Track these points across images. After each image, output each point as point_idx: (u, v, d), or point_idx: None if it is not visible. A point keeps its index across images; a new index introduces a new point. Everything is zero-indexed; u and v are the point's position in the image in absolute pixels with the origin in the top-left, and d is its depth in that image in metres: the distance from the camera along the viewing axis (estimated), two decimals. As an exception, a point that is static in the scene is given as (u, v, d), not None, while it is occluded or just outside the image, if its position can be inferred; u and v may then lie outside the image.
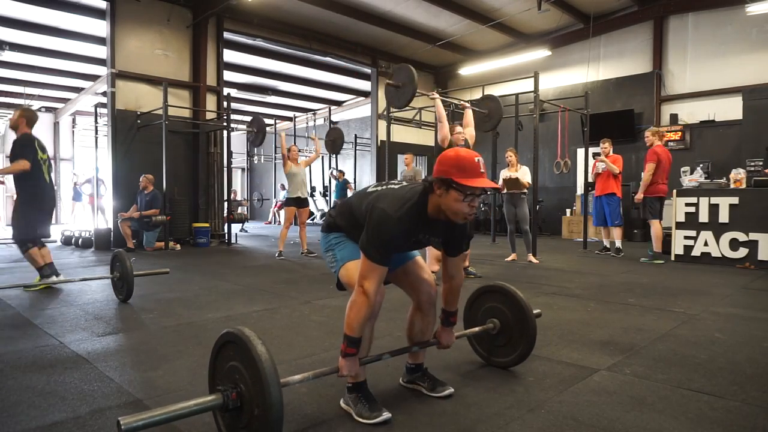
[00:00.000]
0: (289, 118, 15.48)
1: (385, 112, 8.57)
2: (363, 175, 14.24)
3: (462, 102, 5.59)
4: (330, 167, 14.11)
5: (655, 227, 6.40)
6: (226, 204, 9.26)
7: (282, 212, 15.40)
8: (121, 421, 1.33)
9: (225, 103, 9.03)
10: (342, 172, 13.28)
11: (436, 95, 5.15)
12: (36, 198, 4.47)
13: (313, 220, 15.14)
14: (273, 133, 15.86)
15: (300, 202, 7.09)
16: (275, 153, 15.62)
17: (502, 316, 2.37)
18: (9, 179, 14.07)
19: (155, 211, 7.69)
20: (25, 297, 4.10)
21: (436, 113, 4.97)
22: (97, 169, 9.57)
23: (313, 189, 14.08)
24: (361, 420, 1.79)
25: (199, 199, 9.02)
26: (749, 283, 4.85)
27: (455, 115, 8.92)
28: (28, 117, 4.48)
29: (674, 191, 6.47)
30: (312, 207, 15.17)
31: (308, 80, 13.52)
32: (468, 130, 5.13)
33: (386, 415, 1.80)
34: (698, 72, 9.42)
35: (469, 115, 5.25)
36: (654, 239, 6.43)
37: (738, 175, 6.23)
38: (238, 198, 17.14)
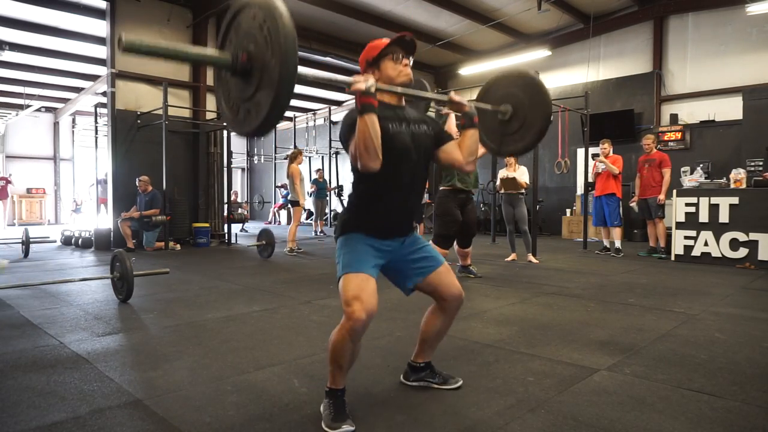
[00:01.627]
0: (289, 118, 15.47)
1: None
2: (363, 175, 14.19)
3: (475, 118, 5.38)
4: (323, 167, 14.08)
5: (662, 225, 6.77)
6: (226, 206, 9.25)
7: (282, 212, 15.46)
8: (122, 36, 1.30)
9: (225, 103, 9.02)
10: (321, 171, 13.08)
11: (451, 113, 4.96)
12: None
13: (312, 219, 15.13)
14: (273, 134, 15.87)
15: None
16: (275, 153, 15.62)
17: (514, 100, 2.30)
18: (12, 179, 14.11)
19: (155, 211, 7.69)
20: (25, 297, 4.10)
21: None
22: (105, 173, 9.48)
23: (340, 188, 13.87)
24: (324, 427, 1.75)
25: (199, 199, 9.02)
26: (749, 283, 4.85)
27: (457, 116, 8.91)
28: None
29: (674, 191, 6.47)
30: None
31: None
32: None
33: (347, 428, 1.72)
34: (698, 72, 9.41)
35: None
36: (661, 236, 6.77)
37: (738, 175, 6.23)
38: (239, 200, 17.09)
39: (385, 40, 1.90)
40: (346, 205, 1.97)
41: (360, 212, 1.91)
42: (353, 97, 1.73)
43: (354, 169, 1.89)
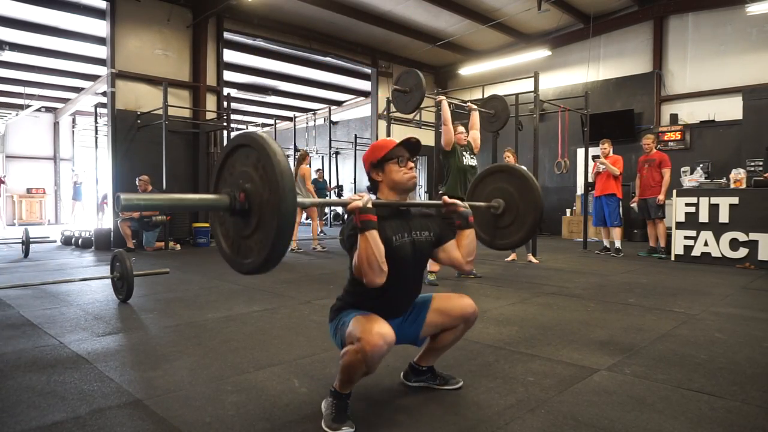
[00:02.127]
0: (289, 118, 15.47)
1: (385, 112, 8.57)
2: (363, 176, 14.23)
3: (468, 104, 5.47)
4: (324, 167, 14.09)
5: (662, 225, 6.77)
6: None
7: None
8: (121, 196, 1.33)
9: (225, 103, 9.03)
10: (321, 171, 13.12)
11: (443, 98, 5.02)
12: None
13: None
14: (273, 133, 15.87)
15: None
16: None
17: (506, 195, 2.35)
18: (8, 179, 14.12)
19: (155, 212, 7.69)
20: (25, 297, 4.10)
21: (442, 116, 4.83)
22: (77, 174, 9.42)
23: (340, 188, 13.96)
24: (323, 427, 1.75)
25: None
26: (749, 283, 4.85)
27: (457, 116, 8.92)
28: None
29: (674, 191, 6.47)
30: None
31: (308, 80, 13.52)
32: (473, 134, 5.10)
33: (347, 430, 1.71)
34: (698, 72, 9.41)
35: (475, 117, 5.19)
36: (661, 236, 6.76)
37: (738, 175, 6.23)
38: None
39: (391, 142, 1.89)
40: (342, 296, 1.95)
41: (358, 306, 1.88)
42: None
43: (351, 266, 1.86)
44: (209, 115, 9.11)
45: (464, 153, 4.87)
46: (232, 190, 1.52)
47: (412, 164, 1.92)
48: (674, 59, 9.70)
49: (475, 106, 5.42)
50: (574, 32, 10.79)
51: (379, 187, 1.92)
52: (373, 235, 1.66)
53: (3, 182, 13.75)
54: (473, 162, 4.93)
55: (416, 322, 1.99)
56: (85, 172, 14.37)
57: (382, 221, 1.77)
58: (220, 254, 1.67)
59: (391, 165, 1.88)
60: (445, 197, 2.04)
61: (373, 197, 1.82)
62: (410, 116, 9.00)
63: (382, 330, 1.66)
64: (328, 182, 12.97)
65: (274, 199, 1.39)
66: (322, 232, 11.32)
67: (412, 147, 1.92)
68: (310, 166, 7.89)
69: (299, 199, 1.46)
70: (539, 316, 3.49)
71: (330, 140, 13.60)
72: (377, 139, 11.88)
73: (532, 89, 6.91)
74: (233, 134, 9.13)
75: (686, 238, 6.30)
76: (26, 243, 6.95)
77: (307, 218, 15.24)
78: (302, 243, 8.05)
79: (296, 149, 14.69)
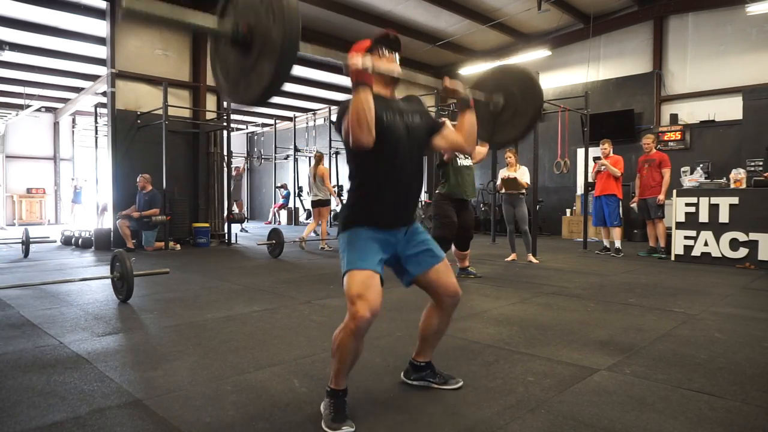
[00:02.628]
0: (289, 118, 15.48)
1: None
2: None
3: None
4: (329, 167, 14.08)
5: (662, 225, 6.77)
6: (226, 180, 9.21)
7: (282, 212, 15.46)
8: (123, 1, 1.32)
9: (225, 103, 9.03)
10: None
11: (446, 121, 4.89)
12: None
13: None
14: (273, 134, 15.88)
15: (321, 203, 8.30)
16: (275, 153, 15.62)
17: (506, 92, 2.34)
18: (8, 178, 14.11)
19: (155, 211, 7.69)
20: (25, 297, 4.10)
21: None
22: (78, 179, 9.36)
23: (340, 188, 13.92)
24: (323, 428, 1.76)
25: (199, 199, 9.02)
26: (749, 283, 4.85)
27: (456, 116, 8.91)
28: None
29: (674, 191, 6.47)
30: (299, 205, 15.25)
31: (308, 80, 13.52)
32: (478, 149, 5.07)
33: (347, 429, 1.72)
34: (698, 72, 9.41)
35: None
36: (661, 236, 6.76)
37: (738, 175, 6.23)
38: (241, 173, 16.96)
39: (370, 40, 1.94)
40: (345, 200, 1.97)
41: (360, 205, 1.92)
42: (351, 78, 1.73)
43: (351, 161, 1.92)
44: (209, 115, 9.10)
45: (458, 154, 4.88)
46: (236, 19, 1.50)
47: (392, 57, 1.95)
48: (674, 59, 9.70)
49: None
50: (574, 32, 10.78)
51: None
52: (367, 94, 1.69)
53: None
54: (468, 162, 4.95)
55: (420, 263, 1.96)
56: (86, 180, 14.34)
57: (374, 103, 1.79)
58: (222, 91, 1.66)
59: (373, 59, 1.88)
60: (447, 79, 2.04)
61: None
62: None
63: (370, 299, 1.72)
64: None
65: (278, 31, 1.38)
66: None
67: (390, 43, 1.94)
68: (306, 165, 7.89)
69: (301, 49, 1.46)
70: (539, 316, 3.49)
71: (330, 140, 13.60)
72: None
73: (532, 89, 6.89)
74: (233, 134, 9.15)
75: (686, 238, 6.30)
76: (26, 243, 6.95)
77: (308, 217, 15.28)
78: (310, 243, 8.04)
79: (296, 149, 14.72)
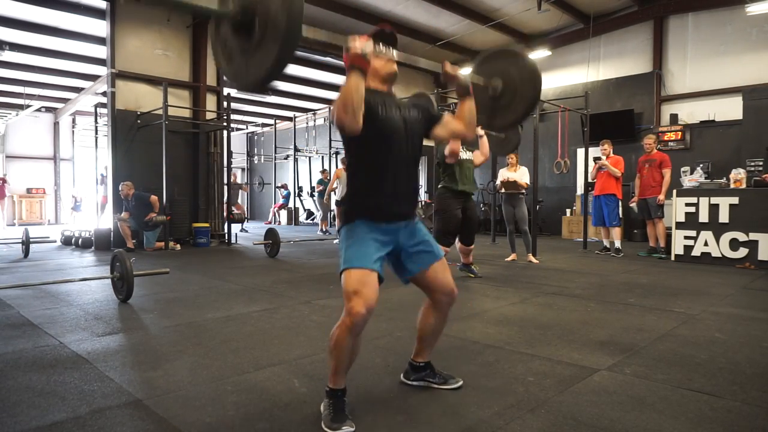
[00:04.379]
0: (289, 118, 15.48)
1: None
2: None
3: (477, 129, 5.35)
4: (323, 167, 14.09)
5: (661, 225, 6.77)
6: (226, 188, 9.24)
7: (282, 212, 15.47)
8: None
9: (225, 103, 9.03)
10: (326, 171, 13.19)
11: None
12: None
13: (313, 219, 15.16)
14: (273, 134, 15.88)
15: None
16: (275, 153, 15.62)
17: (505, 76, 2.34)
18: (10, 179, 14.11)
19: (155, 202, 7.70)
20: (25, 297, 4.10)
21: (451, 150, 4.65)
22: (105, 167, 9.34)
23: (300, 189, 14.28)
24: (323, 428, 1.75)
25: (199, 199, 9.02)
26: (749, 283, 4.85)
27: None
28: None
29: (674, 191, 6.47)
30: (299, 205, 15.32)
31: (308, 80, 13.52)
32: (480, 158, 5.07)
33: (347, 428, 1.72)
34: (698, 72, 9.41)
35: (485, 146, 5.15)
36: (661, 236, 6.75)
37: (738, 175, 6.23)
38: (239, 181, 17.11)
39: (366, 37, 1.93)
40: (346, 194, 1.98)
41: (359, 196, 1.92)
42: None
43: (348, 152, 1.94)
44: (209, 115, 9.10)
45: (460, 147, 4.86)
46: (240, 1, 1.50)
47: (389, 53, 1.94)
48: (674, 59, 9.69)
49: (482, 133, 5.34)
50: (574, 32, 10.78)
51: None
52: (358, 79, 1.69)
53: (6, 182, 13.76)
54: (468, 155, 4.94)
55: (419, 261, 1.97)
56: (85, 198, 14.33)
57: (370, 96, 1.82)
58: (227, 76, 1.66)
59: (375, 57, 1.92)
60: (446, 63, 2.04)
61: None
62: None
63: (366, 296, 1.73)
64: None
65: (282, 15, 1.38)
66: (327, 231, 11.32)
67: (386, 38, 1.95)
68: (306, 165, 7.93)
69: (303, 31, 1.47)
70: (539, 316, 3.49)
71: (330, 140, 13.60)
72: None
73: (532, 89, 6.89)
74: (233, 134, 9.15)
75: (686, 238, 6.30)
76: (26, 243, 6.95)
77: (308, 217, 15.34)
78: (307, 243, 8.04)
79: (296, 149, 14.72)
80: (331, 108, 1.78)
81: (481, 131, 5.32)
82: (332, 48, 10.96)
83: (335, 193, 9.58)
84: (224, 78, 9.48)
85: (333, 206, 10.39)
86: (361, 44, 1.71)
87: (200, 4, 1.50)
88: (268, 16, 1.44)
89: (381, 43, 1.91)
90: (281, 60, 1.44)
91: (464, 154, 4.88)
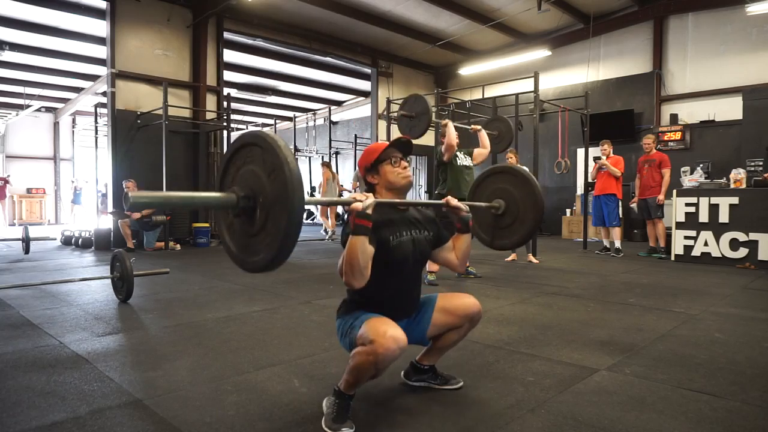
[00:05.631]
0: (289, 118, 15.48)
1: (385, 112, 8.57)
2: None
3: (473, 127, 5.36)
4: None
5: (662, 225, 6.77)
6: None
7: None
8: (129, 194, 1.36)
9: (225, 103, 9.03)
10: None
11: (448, 121, 4.86)
12: None
13: (313, 219, 15.17)
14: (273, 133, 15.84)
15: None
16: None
17: (507, 196, 2.39)
18: (11, 179, 14.11)
19: (151, 210, 7.68)
20: (25, 297, 4.10)
21: (447, 137, 4.71)
22: (105, 185, 9.28)
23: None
24: (324, 427, 1.75)
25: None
26: (749, 283, 4.85)
27: (457, 116, 8.92)
28: None
29: (674, 191, 6.47)
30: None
31: (308, 80, 13.53)
32: (481, 152, 5.07)
33: (347, 430, 1.71)
34: (698, 72, 9.41)
35: (484, 138, 5.16)
36: (661, 236, 6.75)
37: (738, 175, 6.23)
38: None
39: (382, 144, 1.94)
40: (346, 299, 1.96)
41: (364, 306, 1.88)
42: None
43: None
44: (209, 115, 9.10)
45: (458, 154, 4.88)
46: (239, 188, 1.53)
47: (406, 164, 1.95)
48: (674, 59, 9.69)
49: (479, 127, 5.33)
50: (574, 32, 10.78)
51: (376, 189, 1.95)
52: (363, 241, 1.68)
53: (8, 182, 13.77)
54: (468, 162, 4.94)
55: (422, 321, 2.00)
56: (87, 181, 14.35)
57: (381, 222, 1.81)
58: (227, 253, 1.69)
59: (385, 166, 1.92)
60: (451, 199, 2.07)
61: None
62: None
63: (395, 333, 1.65)
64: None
65: (284, 197, 1.39)
66: (333, 232, 11.32)
67: (403, 146, 1.96)
68: (306, 165, 7.98)
69: (306, 198, 1.47)
70: (539, 316, 3.49)
71: (330, 140, 13.60)
72: (377, 139, 11.91)
73: (532, 89, 6.91)
74: (233, 134, 9.16)
75: (686, 238, 6.30)
76: (26, 240, 6.95)
77: (308, 217, 15.31)
78: (310, 243, 8.05)
79: (296, 149, 14.72)
80: (338, 265, 1.74)
81: (477, 127, 5.33)
82: (332, 48, 10.98)
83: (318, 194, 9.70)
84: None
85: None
86: (363, 203, 1.69)
87: (206, 196, 1.55)
88: (268, 208, 1.46)
89: (398, 153, 1.92)
90: (279, 255, 1.45)
91: (463, 160, 4.87)
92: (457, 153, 4.87)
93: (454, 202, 2.05)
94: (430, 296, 2.07)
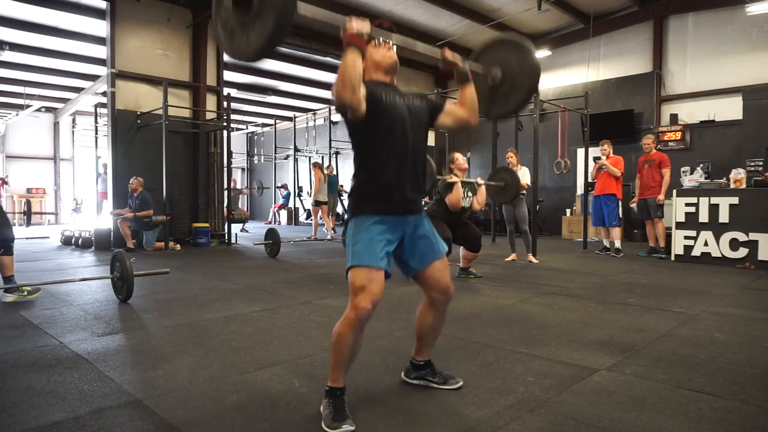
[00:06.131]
0: (289, 118, 15.48)
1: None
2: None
3: (477, 179, 5.30)
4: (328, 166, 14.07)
5: (661, 225, 6.76)
6: (225, 192, 9.24)
7: (282, 212, 15.47)
8: None
9: (225, 103, 9.03)
10: (331, 167, 13.23)
11: (457, 180, 4.75)
12: None
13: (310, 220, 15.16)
14: (273, 133, 15.88)
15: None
16: (275, 153, 15.62)
17: (504, 65, 2.36)
18: (11, 179, 14.12)
19: (149, 212, 7.67)
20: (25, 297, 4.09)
21: (454, 197, 4.66)
22: (104, 165, 9.32)
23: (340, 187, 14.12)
24: (324, 427, 1.75)
25: (199, 199, 9.02)
26: (749, 283, 4.85)
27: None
28: None
29: (674, 191, 6.47)
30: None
31: (308, 80, 13.52)
32: (475, 205, 5.11)
33: (347, 427, 1.72)
34: (698, 72, 9.41)
35: (482, 194, 5.19)
36: (661, 236, 6.74)
37: (738, 175, 6.23)
38: (239, 186, 17.15)
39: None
40: (351, 186, 1.99)
41: (365, 188, 1.92)
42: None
43: (354, 143, 1.94)
44: (209, 115, 9.10)
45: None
46: None
47: (389, 45, 1.97)
48: (674, 59, 9.70)
49: (482, 181, 5.29)
50: (574, 32, 10.79)
51: (364, 74, 1.94)
52: (356, 56, 1.71)
53: (6, 183, 13.76)
54: (466, 203, 4.91)
55: (421, 259, 1.97)
56: (86, 200, 14.33)
57: (375, 85, 1.88)
58: (219, 44, 1.80)
59: (369, 49, 1.94)
60: (446, 50, 2.09)
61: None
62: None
63: (371, 291, 1.75)
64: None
65: None
66: (333, 230, 11.31)
67: (385, 30, 1.96)
68: (306, 165, 8.01)
69: (301, 6, 1.56)
70: (539, 316, 3.49)
71: (330, 140, 13.60)
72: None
73: (532, 89, 6.89)
74: (233, 135, 9.16)
75: (686, 238, 6.30)
76: (28, 213, 6.91)
77: (308, 217, 15.29)
78: (309, 243, 8.04)
79: (296, 149, 14.71)
80: (331, 91, 1.78)
81: (480, 181, 5.31)
82: (333, 48, 10.97)
83: (309, 195, 9.70)
84: (224, 53, 9.43)
85: (310, 206, 10.51)
86: (358, 24, 1.73)
87: None
88: None
89: (381, 36, 1.91)
90: (279, 29, 1.51)
91: (464, 201, 4.85)
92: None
93: (449, 54, 2.07)
94: (439, 245, 2.03)
